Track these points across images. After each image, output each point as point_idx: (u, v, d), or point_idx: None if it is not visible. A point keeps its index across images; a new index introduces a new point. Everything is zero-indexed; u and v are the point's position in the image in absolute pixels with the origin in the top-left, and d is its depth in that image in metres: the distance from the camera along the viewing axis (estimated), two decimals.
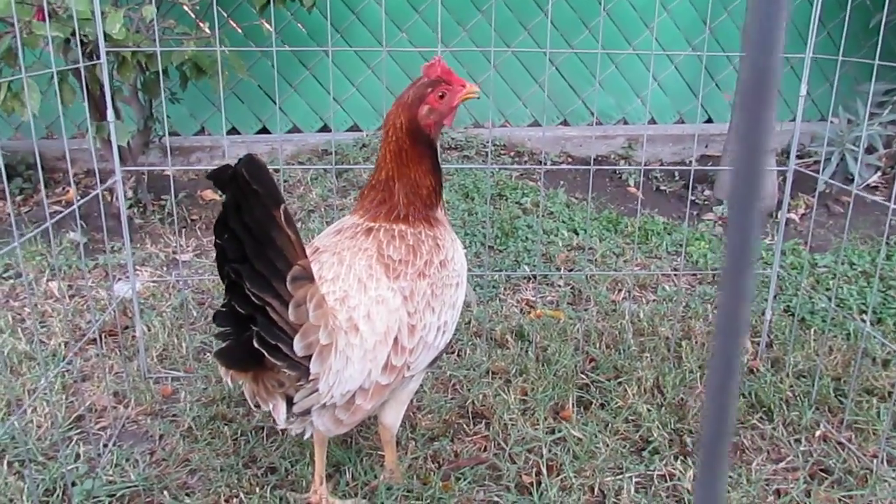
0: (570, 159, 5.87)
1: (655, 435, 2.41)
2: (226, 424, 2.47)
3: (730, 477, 2.28)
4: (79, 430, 2.46)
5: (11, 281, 3.50)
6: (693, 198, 5.05)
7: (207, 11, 5.09)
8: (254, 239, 1.46)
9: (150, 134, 4.93)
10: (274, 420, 1.77)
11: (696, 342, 2.98)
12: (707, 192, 5.14)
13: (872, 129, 5.16)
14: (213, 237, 1.49)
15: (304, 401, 1.71)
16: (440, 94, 1.98)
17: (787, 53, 4.57)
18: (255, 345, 1.53)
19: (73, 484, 2.17)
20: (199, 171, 5.42)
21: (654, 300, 3.41)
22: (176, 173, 5.46)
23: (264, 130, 5.94)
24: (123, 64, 4.03)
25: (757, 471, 2.30)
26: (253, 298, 1.49)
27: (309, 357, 1.61)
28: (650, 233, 4.12)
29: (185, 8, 4.30)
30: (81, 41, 3.75)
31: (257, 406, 1.79)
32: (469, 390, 2.66)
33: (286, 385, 1.68)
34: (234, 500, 2.14)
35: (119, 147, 4.39)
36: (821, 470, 2.33)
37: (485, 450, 2.39)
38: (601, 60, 5.89)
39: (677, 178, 5.37)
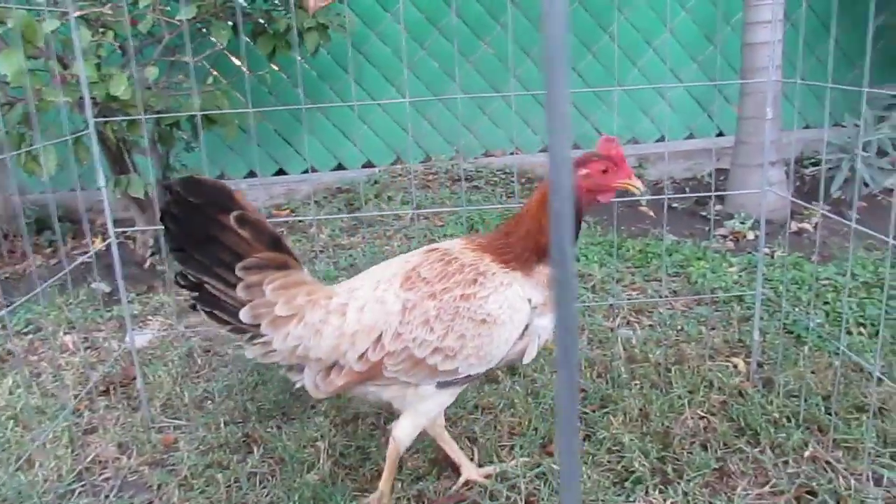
0: None
1: (637, 465, 2.42)
2: (220, 472, 2.55)
3: None
4: (82, 483, 2.58)
5: (30, 336, 3.68)
6: (704, 213, 5.03)
7: (214, 65, 5.28)
8: (190, 237, 2.00)
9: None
10: None
11: (688, 367, 2.98)
12: (718, 207, 5.11)
13: (882, 132, 5.09)
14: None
15: (260, 356, 2.15)
16: (603, 168, 2.12)
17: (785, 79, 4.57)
18: (197, 307, 2.09)
19: None
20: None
21: (649, 325, 3.42)
22: None
23: (282, 171, 6.13)
24: (133, 123, 4.22)
25: (741, 496, 2.30)
26: (190, 277, 2.05)
27: (258, 324, 2.06)
28: (651, 255, 4.12)
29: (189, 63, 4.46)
30: (93, 102, 3.95)
31: None
32: (457, 427, 2.71)
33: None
34: None
35: (137, 199, 4.64)
36: (807, 492, 2.31)
37: (470, 488, 2.44)
38: (608, 82, 5.95)
39: (688, 193, 5.36)
